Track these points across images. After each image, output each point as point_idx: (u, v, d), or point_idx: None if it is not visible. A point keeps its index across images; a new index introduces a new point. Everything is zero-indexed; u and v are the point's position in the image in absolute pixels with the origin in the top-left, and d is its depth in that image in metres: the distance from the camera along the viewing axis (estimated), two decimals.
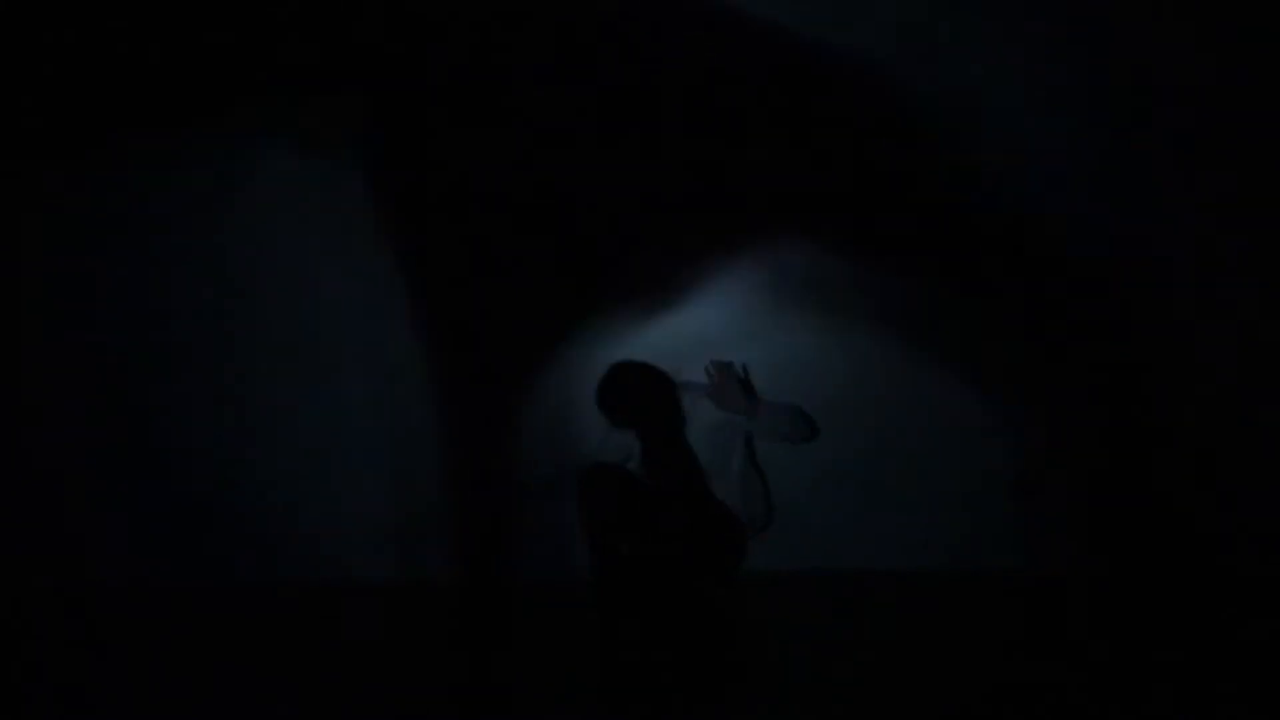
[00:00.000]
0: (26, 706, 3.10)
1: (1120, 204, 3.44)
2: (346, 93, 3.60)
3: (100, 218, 3.89)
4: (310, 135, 3.76)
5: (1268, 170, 3.47)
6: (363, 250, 3.88)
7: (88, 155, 3.77)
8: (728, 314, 3.48)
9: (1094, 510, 3.59)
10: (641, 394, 3.45)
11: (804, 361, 3.32)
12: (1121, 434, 3.56)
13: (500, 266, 3.79)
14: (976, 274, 3.45)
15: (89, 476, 3.97)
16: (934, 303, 3.46)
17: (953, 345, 3.49)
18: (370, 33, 3.56)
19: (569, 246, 3.56)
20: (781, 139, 3.38)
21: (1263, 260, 3.50)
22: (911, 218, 3.40)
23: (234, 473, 3.96)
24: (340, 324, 3.91)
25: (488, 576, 3.98)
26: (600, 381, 3.50)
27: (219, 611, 3.77)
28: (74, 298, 3.91)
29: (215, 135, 3.78)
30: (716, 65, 3.38)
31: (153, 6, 3.64)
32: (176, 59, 3.67)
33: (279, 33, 3.62)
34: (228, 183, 3.87)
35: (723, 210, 3.45)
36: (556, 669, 3.34)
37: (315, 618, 3.74)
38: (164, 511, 3.97)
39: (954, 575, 3.86)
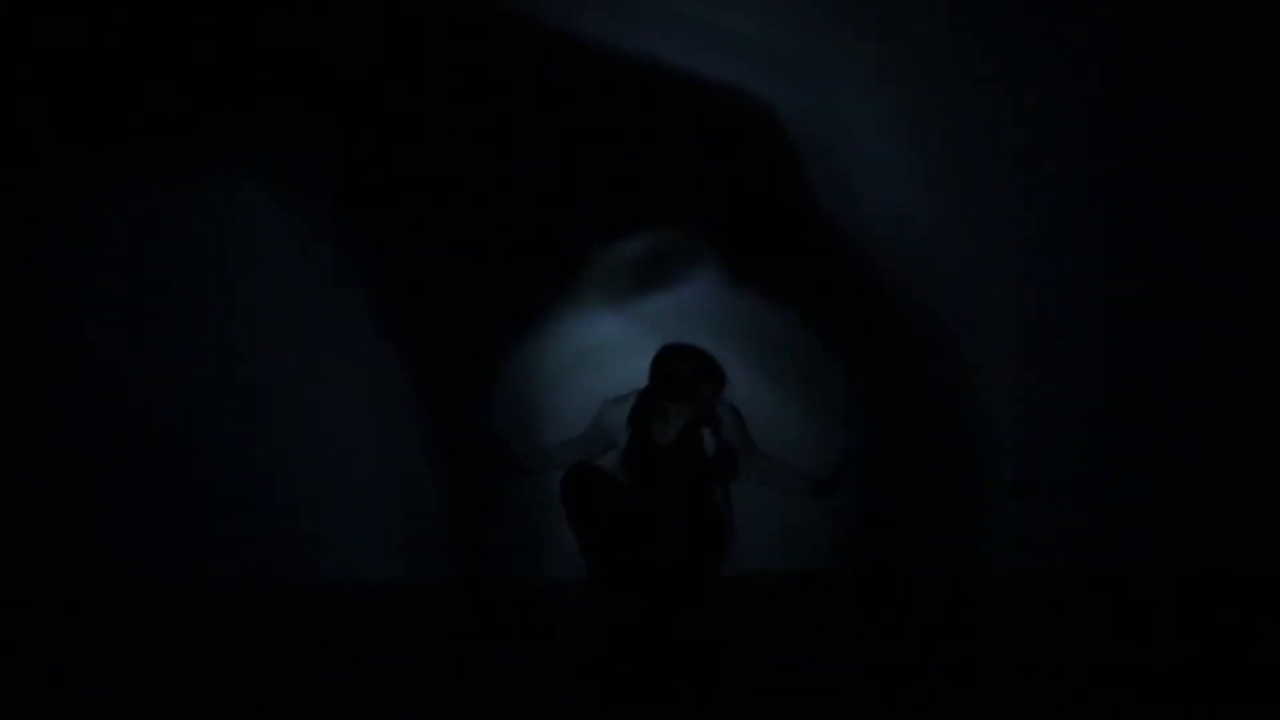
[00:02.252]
0: (27, 706, 3.10)
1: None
2: (327, 117, 3.86)
3: (104, 224, 3.89)
4: (295, 152, 3.86)
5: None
6: (358, 258, 3.89)
7: (96, 167, 3.85)
8: (632, 327, 3.85)
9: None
10: (700, 379, 3.49)
11: None
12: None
13: (481, 273, 3.91)
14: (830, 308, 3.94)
15: (89, 477, 3.97)
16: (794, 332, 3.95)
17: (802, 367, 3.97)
18: (339, 62, 3.81)
19: (529, 258, 3.94)
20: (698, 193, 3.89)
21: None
22: (790, 262, 3.92)
23: (234, 473, 3.96)
24: (339, 327, 3.92)
25: (486, 576, 3.98)
26: (674, 350, 3.52)
27: (219, 611, 3.78)
28: (74, 299, 3.91)
29: (216, 152, 3.87)
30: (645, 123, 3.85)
31: (143, 37, 3.76)
32: (170, 88, 3.79)
33: (258, 65, 3.78)
34: (227, 196, 3.88)
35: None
36: (556, 669, 3.34)
37: (315, 618, 3.74)
38: (164, 511, 3.97)
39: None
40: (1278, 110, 3.77)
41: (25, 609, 3.83)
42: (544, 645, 3.51)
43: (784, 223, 3.89)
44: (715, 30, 3.78)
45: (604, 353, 3.85)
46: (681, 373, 3.47)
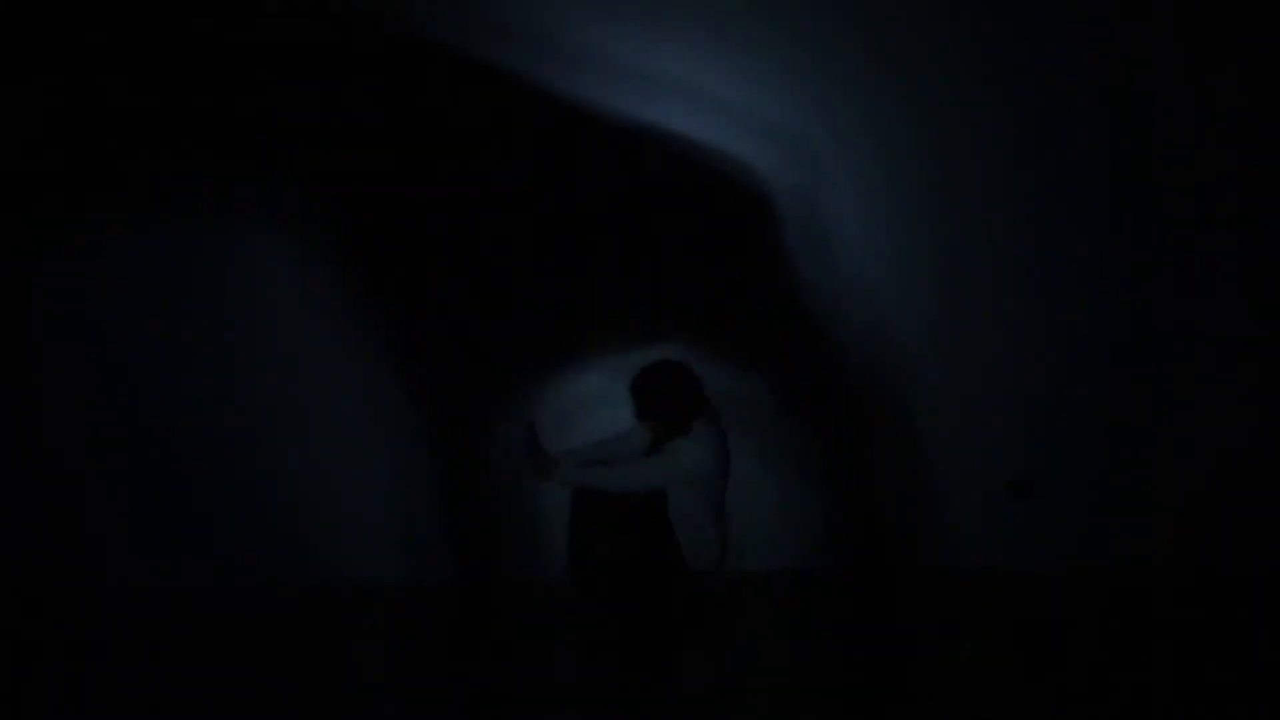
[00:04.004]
0: (26, 706, 3.10)
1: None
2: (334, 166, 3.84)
3: (113, 240, 3.89)
4: (302, 193, 3.85)
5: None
6: (359, 261, 3.89)
7: (109, 203, 3.86)
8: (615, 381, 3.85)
9: None
10: (672, 392, 3.51)
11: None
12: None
13: (483, 275, 3.91)
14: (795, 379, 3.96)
15: (91, 478, 3.97)
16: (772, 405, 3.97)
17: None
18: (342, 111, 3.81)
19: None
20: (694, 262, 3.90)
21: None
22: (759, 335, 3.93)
23: (234, 473, 3.97)
24: (338, 329, 3.92)
25: (487, 576, 3.98)
26: (644, 369, 3.55)
27: (219, 611, 3.78)
28: (79, 304, 3.92)
29: (223, 191, 3.87)
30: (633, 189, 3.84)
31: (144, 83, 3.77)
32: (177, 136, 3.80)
33: (266, 108, 3.78)
34: (227, 212, 3.88)
35: (624, 319, 3.96)
36: (556, 669, 3.35)
37: (315, 618, 3.74)
38: (164, 512, 3.98)
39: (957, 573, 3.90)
40: (1277, 110, 3.77)
41: (26, 609, 3.84)
42: (542, 647, 3.51)
43: (757, 289, 3.89)
44: (700, 97, 3.78)
45: (593, 401, 3.89)
46: (642, 391, 3.52)
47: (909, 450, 3.95)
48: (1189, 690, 3.01)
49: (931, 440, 3.93)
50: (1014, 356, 3.90)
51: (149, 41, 3.76)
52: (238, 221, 3.86)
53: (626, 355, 3.85)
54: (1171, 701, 2.95)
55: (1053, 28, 3.73)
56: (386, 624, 3.69)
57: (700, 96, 3.78)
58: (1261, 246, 3.82)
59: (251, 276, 3.89)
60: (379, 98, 3.79)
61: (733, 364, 3.92)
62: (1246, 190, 3.79)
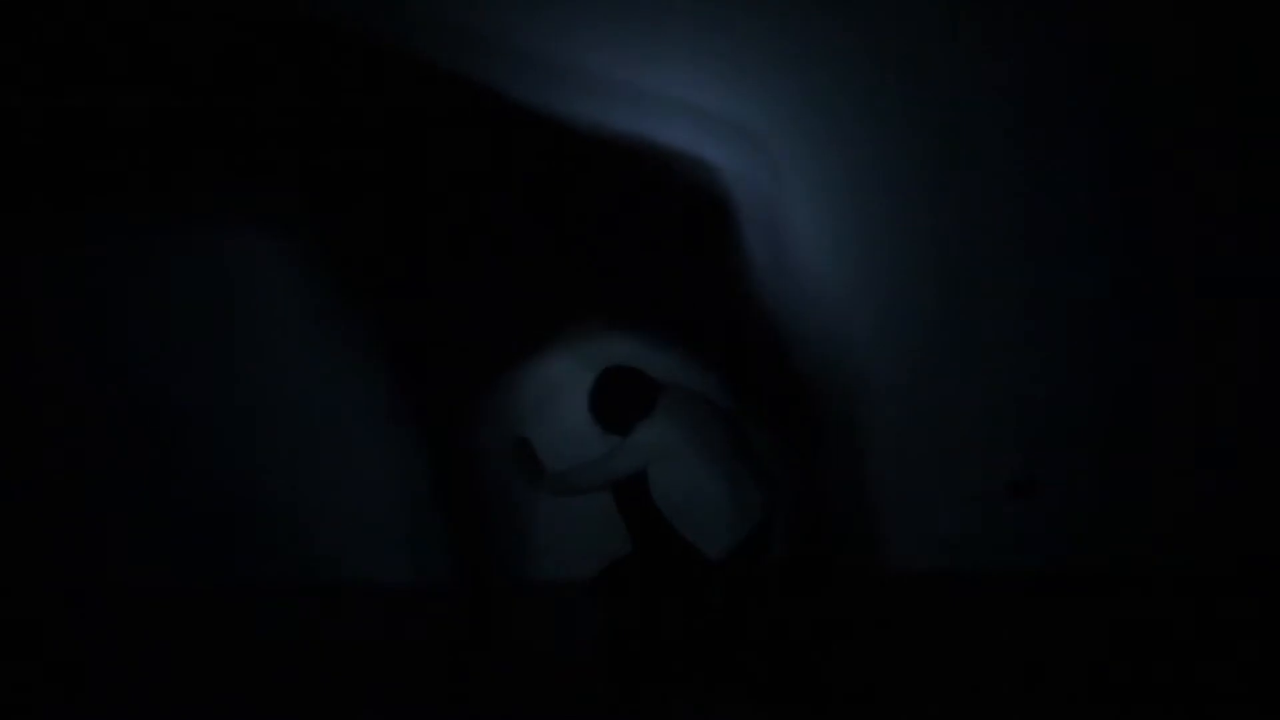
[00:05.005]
0: (27, 706, 3.10)
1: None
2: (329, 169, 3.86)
3: (108, 230, 3.89)
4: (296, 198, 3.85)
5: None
6: (357, 261, 3.90)
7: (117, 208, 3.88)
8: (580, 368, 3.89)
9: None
10: (619, 402, 3.56)
11: None
12: None
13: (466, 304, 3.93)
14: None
15: (91, 477, 3.97)
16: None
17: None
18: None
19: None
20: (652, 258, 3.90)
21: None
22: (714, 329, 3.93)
23: (235, 473, 3.97)
24: (339, 329, 3.92)
25: (487, 576, 3.99)
26: (592, 390, 3.60)
27: (219, 611, 3.78)
28: (78, 304, 3.92)
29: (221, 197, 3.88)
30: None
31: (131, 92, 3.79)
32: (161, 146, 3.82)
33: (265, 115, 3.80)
34: (227, 212, 3.88)
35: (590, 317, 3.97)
36: (556, 669, 3.35)
37: (315, 618, 3.74)
38: (164, 511, 3.98)
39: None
40: (1278, 110, 3.77)
41: (28, 609, 3.84)
42: (544, 647, 3.52)
43: (709, 282, 3.89)
44: (662, 101, 3.78)
45: (561, 390, 3.89)
46: (598, 409, 3.60)
47: (881, 452, 3.95)
48: (1189, 690, 3.01)
49: (930, 441, 3.94)
50: (1014, 356, 3.91)
51: (149, 41, 3.76)
52: (237, 221, 3.87)
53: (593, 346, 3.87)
54: (1171, 701, 2.96)
55: (1030, 27, 3.73)
56: (387, 624, 3.69)
57: (662, 100, 3.78)
58: (1261, 247, 3.82)
59: (251, 276, 3.89)
60: (371, 102, 3.79)
61: (702, 366, 3.92)
62: (1246, 191, 3.80)
